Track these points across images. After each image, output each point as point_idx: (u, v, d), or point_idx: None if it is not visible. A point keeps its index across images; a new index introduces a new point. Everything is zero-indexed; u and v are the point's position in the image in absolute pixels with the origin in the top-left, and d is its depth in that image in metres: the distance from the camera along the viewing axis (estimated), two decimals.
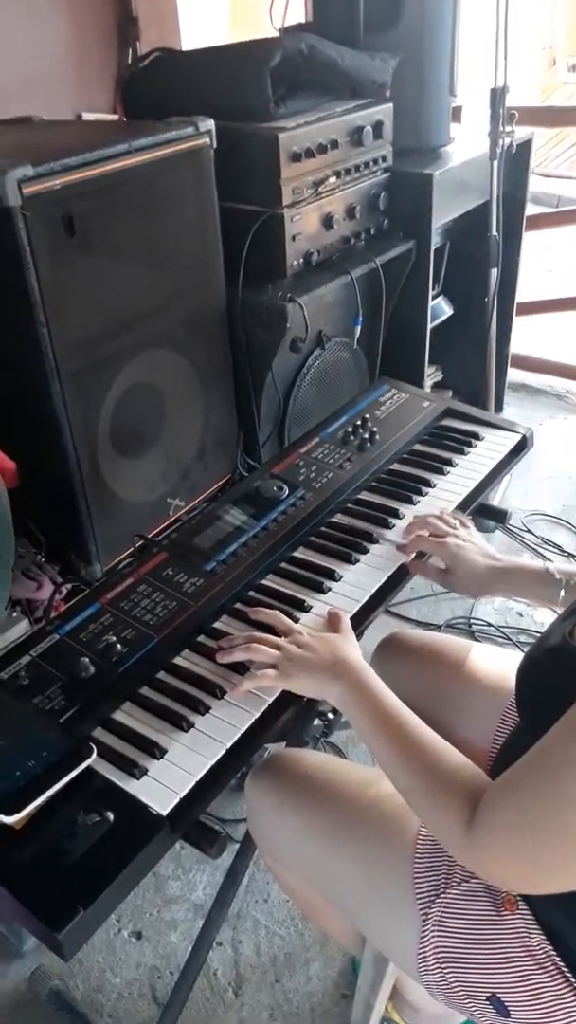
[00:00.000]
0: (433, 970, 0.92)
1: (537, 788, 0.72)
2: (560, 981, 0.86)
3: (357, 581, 1.18)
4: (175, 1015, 1.26)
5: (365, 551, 1.23)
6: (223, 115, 1.66)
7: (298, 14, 2.39)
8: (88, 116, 2.23)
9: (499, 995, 0.89)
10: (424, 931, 0.91)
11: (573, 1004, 0.86)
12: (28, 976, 1.39)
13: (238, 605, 1.13)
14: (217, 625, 1.10)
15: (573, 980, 0.85)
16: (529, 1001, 0.88)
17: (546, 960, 0.86)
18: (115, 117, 2.28)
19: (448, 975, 0.91)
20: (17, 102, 1.95)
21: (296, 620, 1.09)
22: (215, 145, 1.64)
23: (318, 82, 1.94)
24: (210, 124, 1.62)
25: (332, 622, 1.07)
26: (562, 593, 1.08)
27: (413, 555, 1.21)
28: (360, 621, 1.12)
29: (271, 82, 1.78)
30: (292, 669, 0.96)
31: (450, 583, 1.18)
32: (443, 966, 0.91)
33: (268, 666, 0.98)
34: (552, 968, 0.86)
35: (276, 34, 2.13)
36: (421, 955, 0.92)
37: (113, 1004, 1.39)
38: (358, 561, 1.21)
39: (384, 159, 2.04)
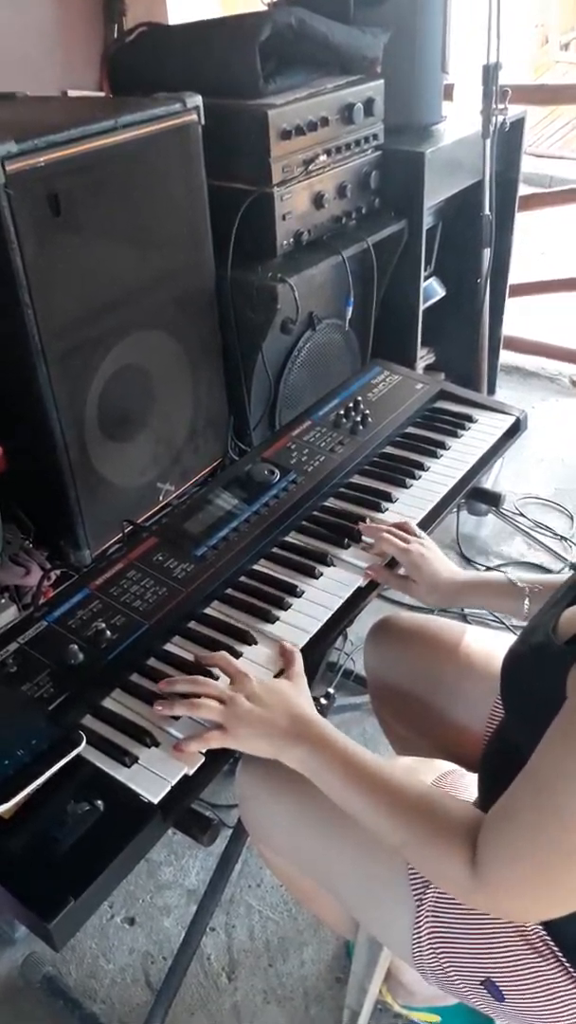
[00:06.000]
0: (427, 955, 0.92)
1: (533, 812, 0.71)
2: (555, 965, 0.86)
3: (350, 566, 1.17)
4: (169, 1000, 1.26)
5: (358, 536, 1.21)
6: (211, 91, 1.63)
7: None
8: (74, 93, 2.18)
9: (493, 979, 0.89)
10: (418, 917, 0.91)
11: (567, 987, 0.86)
12: (20, 963, 1.39)
13: (229, 591, 1.12)
14: (208, 611, 1.09)
15: (567, 964, 0.85)
16: (523, 985, 0.88)
17: (540, 944, 0.86)
18: (101, 94, 2.24)
19: (443, 960, 0.91)
20: (0, 78, 1.91)
21: (241, 653, 1.01)
22: (203, 122, 1.60)
23: (308, 57, 1.90)
24: (198, 100, 1.58)
25: (285, 659, 1.00)
26: (527, 603, 1.07)
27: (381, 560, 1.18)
28: (353, 606, 1.11)
29: (260, 57, 1.75)
30: (242, 728, 0.88)
31: (410, 591, 1.15)
32: (437, 951, 0.91)
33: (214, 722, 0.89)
34: (547, 952, 0.86)
35: (265, 8, 2.09)
36: (416, 941, 0.92)
37: (106, 990, 1.38)
38: (351, 546, 1.20)
39: (375, 137, 2.01)
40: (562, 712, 0.70)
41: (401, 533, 1.19)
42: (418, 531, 1.21)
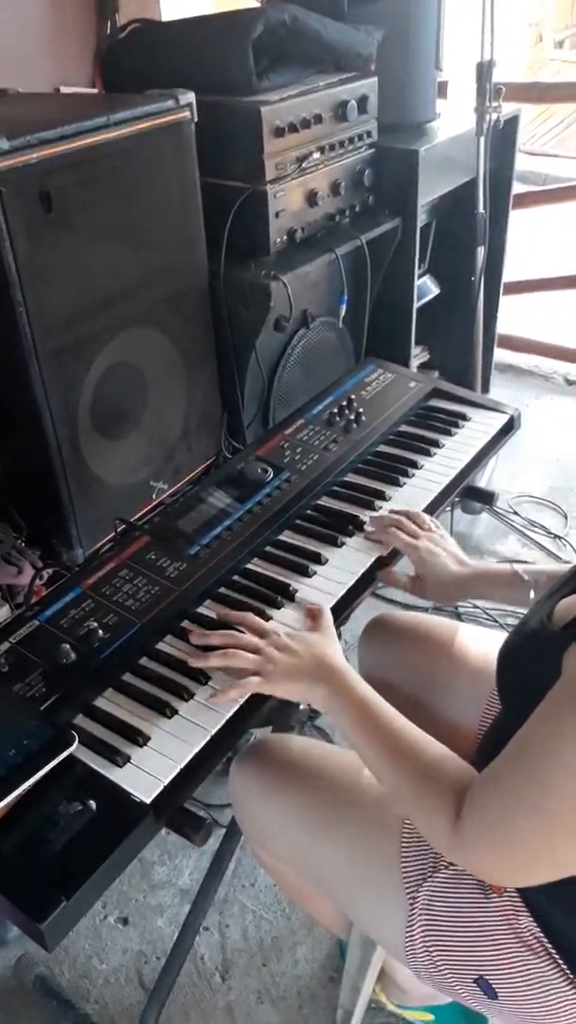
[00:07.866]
0: (420, 954, 0.92)
1: (517, 779, 0.72)
2: (548, 962, 0.86)
3: (343, 564, 1.16)
4: (162, 1000, 1.26)
5: (351, 534, 1.21)
6: (204, 88, 1.62)
7: None
8: (66, 90, 2.17)
9: (487, 977, 0.89)
10: (411, 915, 0.91)
11: (560, 985, 0.86)
12: (13, 963, 1.39)
13: (222, 590, 1.12)
14: (201, 610, 1.08)
15: (560, 961, 0.85)
16: (517, 983, 0.88)
17: (534, 942, 0.86)
18: (94, 91, 2.23)
19: (436, 958, 0.91)
20: None
21: (271, 617, 1.05)
22: (196, 119, 1.60)
23: (301, 54, 1.90)
24: (191, 97, 1.58)
25: (312, 617, 1.03)
26: (532, 594, 1.07)
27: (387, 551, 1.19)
28: (347, 604, 1.11)
29: (253, 54, 1.74)
30: (276, 674, 0.93)
31: (419, 591, 1.15)
32: (431, 950, 0.91)
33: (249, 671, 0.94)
34: (540, 949, 0.86)
35: (258, 5, 2.08)
36: (408, 939, 0.92)
37: (100, 990, 1.38)
38: (344, 544, 1.20)
39: (369, 135, 2.00)
40: (555, 687, 0.71)
41: (410, 526, 1.18)
42: (428, 521, 1.20)
